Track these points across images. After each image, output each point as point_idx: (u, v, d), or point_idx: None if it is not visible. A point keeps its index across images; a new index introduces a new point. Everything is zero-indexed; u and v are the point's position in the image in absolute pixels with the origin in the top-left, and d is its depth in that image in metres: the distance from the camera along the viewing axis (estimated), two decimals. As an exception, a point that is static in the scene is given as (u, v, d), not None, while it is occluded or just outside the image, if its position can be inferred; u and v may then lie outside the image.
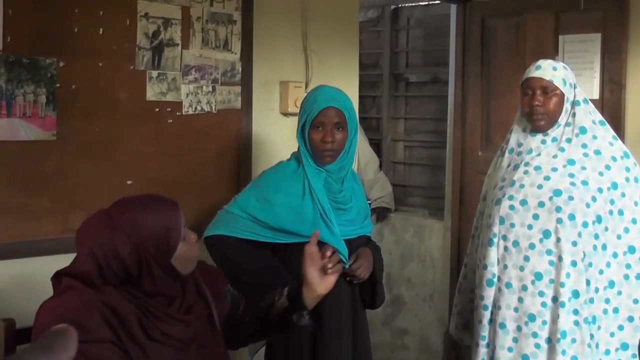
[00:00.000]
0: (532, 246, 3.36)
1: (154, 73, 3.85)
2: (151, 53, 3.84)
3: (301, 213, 3.23)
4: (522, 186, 3.41)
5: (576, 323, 3.30)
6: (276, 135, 4.46)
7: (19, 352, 1.54)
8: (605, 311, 3.39)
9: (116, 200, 2.45)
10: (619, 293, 3.41)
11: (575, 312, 3.30)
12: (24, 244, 3.45)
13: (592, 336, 3.34)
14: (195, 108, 4.02)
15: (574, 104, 3.47)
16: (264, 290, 3.20)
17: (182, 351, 2.43)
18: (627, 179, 3.42)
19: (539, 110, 3.40)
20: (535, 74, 3.42)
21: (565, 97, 3.42)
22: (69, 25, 3.56)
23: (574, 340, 3.29)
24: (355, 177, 3.49)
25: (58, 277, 2.40)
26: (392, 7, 7.01)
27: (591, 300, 3.34)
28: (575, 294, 3.30)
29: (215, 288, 2.67)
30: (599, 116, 3.55)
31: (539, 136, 3.48)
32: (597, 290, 3.36)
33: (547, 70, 3.41)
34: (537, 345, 3.35)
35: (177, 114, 3.96)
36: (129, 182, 3.75)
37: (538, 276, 3.34)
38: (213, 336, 2.59)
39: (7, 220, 3.41)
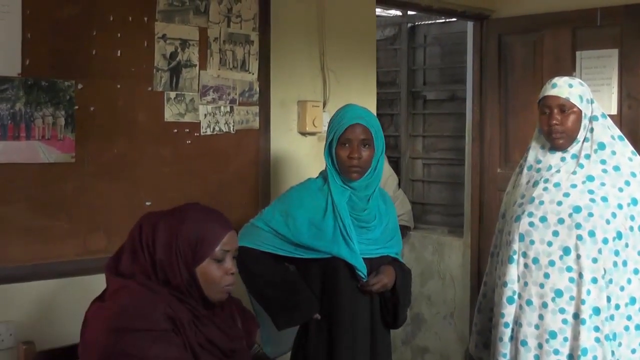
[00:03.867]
0: (552, 263, 3.34)
1: (172, 94, 3.87)
2: (169, 74, 3.85)
3: (321, 229, 3.24)
4: (541, 203, 3.40)
5: (597, 340, 3.27)
6: (295, 155, 4.46)
7: None
8: (626, 328, 3.36)
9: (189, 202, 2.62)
10: (641, 309, 3.39)
11: (596, 329, 3.27)
12: (43, 266, 3.45)
13: (613, 353, 3.30)
14: (214, 129, 4.03)
15: (592, 119, 3.46)
16: (282, 303, 3.22)
17: None
18: (647, 195, 3.41)
19: (558, 128, 3.38)
20: (552, 92, 3.41)
21: (583, 114, 3.41)
22: (88, 47, 3.59)
23: (595, 358, 3.26)
24: (385, 197, 3.49)
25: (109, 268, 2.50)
26: (409, 25, 7.01)
27: (612, 317, 3.31)
28: (596, 311, 3.27)
29: (246, 322, 2.73)
30: (617, 131, 3.53)
31: (558, 153, 3.47)
32: (617, 307, 3.33)
33: (563, 87, 3.40)
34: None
35: (196, 134, 3.97)
36: (147, 203, 3.76)
37: (558, 293, 3.32)
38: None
39: (26, 242, 3.42)
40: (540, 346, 3.36)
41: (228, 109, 4.09)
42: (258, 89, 4.24)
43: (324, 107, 4.57)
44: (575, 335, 3.29)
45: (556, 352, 3.32)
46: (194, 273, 2.44)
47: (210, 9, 4.01)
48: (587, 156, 3.42)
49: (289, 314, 3.25)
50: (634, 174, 3.40)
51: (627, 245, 3.34)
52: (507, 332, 3.46)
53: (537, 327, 3.37)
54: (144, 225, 2.47)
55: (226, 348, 2.49)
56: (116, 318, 2.30)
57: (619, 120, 4.97)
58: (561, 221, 3.33)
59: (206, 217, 2.51)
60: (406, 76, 7.03)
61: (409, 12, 6.85)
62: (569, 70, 5.21)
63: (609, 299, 3.30)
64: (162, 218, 2.48)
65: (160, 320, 2.32)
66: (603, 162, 3.41)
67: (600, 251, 3.28)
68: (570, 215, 3.32)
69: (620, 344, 3.34)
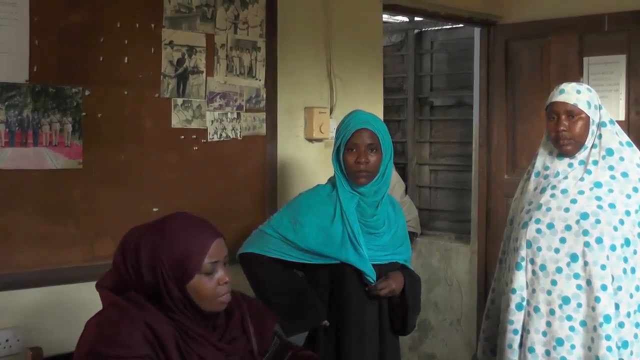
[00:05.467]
0: (559, 270, 3.33)
1: (179, 100, 3.87)
2: (176, 81, 3.86)
3: (329, 235, 3.24)
4: (548, 209, 3.39)
5: (609, 349, 3.24)
6: (301, 161, 4.46)
7: None
8: (635, 336, 3.35)
9: (174, 212, 2.51)
10: (649, 317, 3.37)
11: (608, 337, 3.24)
12: (50, 272, 3.45)
13: (622, 361, 3.30)
14: (221, 135, 4.03)
15: (600, 125, 3.45)
16: (290, 309, 3.22)
17: None
18: (656, 202, 3.40)
19: (565, 135, 3.37)
20: (559, 98, 3.40)
21: (591, 120, 3.40)
22: (95, 54, 3.59)
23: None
24: (394, 204, 3.49)
25: (101, 285, 2.44)
26: (416, 31, 7.03)
27: (622, 325, 3.29)
28: (607, 319, 3.25)
29: (260, 325, 2.64)
30: (625, 137, 3.51)
31: (566, 160, 3.46)
32: (628, 314, 3.31)
33: (571, 93, 3.39)
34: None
35: (203, 141, 3.97)
36: (155, 209, 3.75)
37: (566, 300, 3.31)
38: None
39: (34, 249, 3.42)
40: (547, 353, 3.35)
41: (235, 115, 4.09)
42: (265, 96, 4.24)
43: (330, 113, 4.57)
44: (584, 343, 3.28)
45: (563, 359, 3.31)
46: (185, 291, 2.36)
47: (217, 16, 4.01)
48: (595, 162, 3.41)
49: (297, 321, 3.25)
50: (642, 180, 3.40)
51: (635, 252, 3.32)
52: (516, 339, 3.44)
53: (544, 334, 3.36)
54: (125, 246, 2.40)
55: None
56: (95, 340, 2.25)
57: (627, 126, 4.97)
58: (568, 228, 3.32)
59: (188, 230, 2.41)
60: (413, 82, 7.04)
61: (416, 19, 6.85)
62: (576, 76, 5.21)
63: (617, 307, 3.28)
64: (143, 236, 2.38)
65: (139, 345, 2.25)
66: (611, 168, 3.39)
67: (608, 258, 3.27)
68: (577, 222, 3.31)
69: (632, 353, 3.32)
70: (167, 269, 2.34)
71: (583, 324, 3.28)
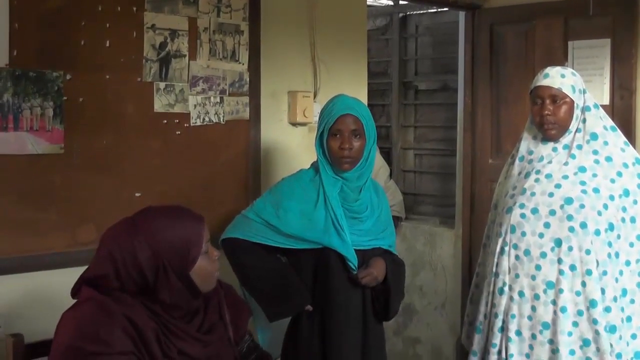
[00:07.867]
0: (543, 255, 3.33)
1: (162, 85, 3.84)
2: (158, 65, 3.83)
3: (312, 220, 3.23)
4: (533, 194, 3.39)
5: (597, 332, 3.27)
6: (285, 145, 4.44)
7: None
8: (622, 320, 3.35)
9: (142, 208, 2.47)
10: (632, 301, 3.37)
11: (595, 321, 3.27)
12: (32, 258, 3.43)
13: (611, 345, 3.29)
14: (204, 119, 4.01)
15: (584, 109, 3.45)
16: (273, 294, 3.19)
17: None
18: (639, 186, 3.39)
19: (550, 119, 3.37)
20: (544, 82, 3.39)
21: (575, 104, 3.39)
22: (76, 38, 3.56)
23: (597, 350, 3.26)
24: (377, 188, 3.47)
25: (78, 285, 2.40)
26: (401, 14, 7.00)
27: (608, 309, 3.30)
28: (593, 303, 3.27)
29: (236, 314, 2.67)
30: (610, 122, 3.52)
31: (550, 144, 3.46)
32: (615, 299, 3.32)
33: (556, 78, 3.38)
34: (555, 351, 3.31)
35: (185, 125, 3.94)
36: (137, 194, 3.74)
37: (550, 285, 3.31)
38: (232, 358, 2.59)
39: (14, 235, 3.40)
40: (534, 337, 3.36)
41: (218, 99, 4.07)
42: (248, 80, 4.22)
43: (314, 97, 4.55)
44: (564, 329, 3.29)
45: (550, 341, 3.33)
46: (188, 277, 2.37)
47: (199, -1, 3.99)
48: (579, 147, 3.41)
49: (281, 306, 3.25)
50: (626, 165, 3.40)
51: (619, 236, 3.34)
52: (497, 323, 3.46)
53: (530, 318, 3.37)
54: (114, 257, 2.33)
55: (202, 357, 2.43)
56: (75, 336, 2.22)
57: (611, 110, 4.97)
58: (553, 213, 3.32)
59: (178, 219, 2.41)
60: (398, 66, 7.02)
61: (401, 2, 6.84)
62: (561, 60, 5.20)
63: (603, 291, 3.29)
64: (130, 241, 2.33)
65: (120, 341, 2.22)
66: (595, 152, 3.40)
67: (592, 243, 3.27)
68: (561, 206, 3.31)
69: (620, 337, 3.33)
70: (172, 262, 2.34)
71: (564, 309, 3.29)
